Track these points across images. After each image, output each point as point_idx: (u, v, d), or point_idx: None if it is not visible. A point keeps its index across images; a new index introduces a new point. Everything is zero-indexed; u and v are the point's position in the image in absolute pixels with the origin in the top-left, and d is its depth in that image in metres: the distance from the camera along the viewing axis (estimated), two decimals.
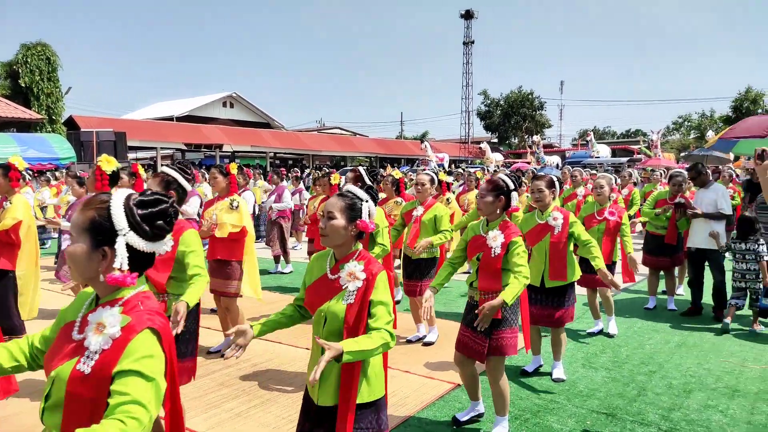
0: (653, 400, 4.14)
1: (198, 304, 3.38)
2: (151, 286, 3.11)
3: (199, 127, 32.28)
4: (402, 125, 66.15)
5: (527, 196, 7.20)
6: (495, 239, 3.45)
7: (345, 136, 45.54)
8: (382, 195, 7.02)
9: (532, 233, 4.39)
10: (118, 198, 1.58)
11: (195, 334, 3.34)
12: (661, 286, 7.22)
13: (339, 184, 6.63)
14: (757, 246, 5.99)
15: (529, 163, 31.72)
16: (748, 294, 6.01)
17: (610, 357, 5.09)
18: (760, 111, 36.78)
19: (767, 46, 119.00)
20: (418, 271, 5.38)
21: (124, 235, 1.54)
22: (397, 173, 6.96)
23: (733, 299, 6.03)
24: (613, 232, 5.63)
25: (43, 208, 11.10)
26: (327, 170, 10.70)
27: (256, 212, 11.72)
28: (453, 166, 30.10)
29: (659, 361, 4.99)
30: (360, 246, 2.45)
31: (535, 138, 37.32)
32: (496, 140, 51.00)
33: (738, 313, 6.02)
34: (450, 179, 8.80)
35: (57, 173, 14.90)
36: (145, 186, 4.22)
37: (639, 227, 11.31)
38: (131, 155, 25.90)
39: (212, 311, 6.18)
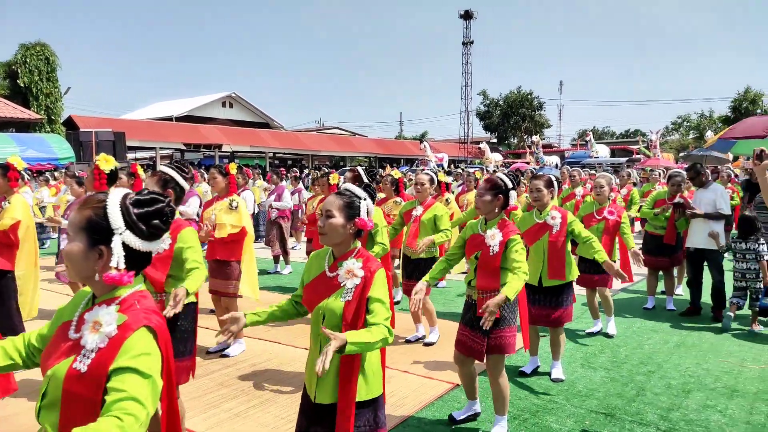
0: (652, 400, 4.14)
1: (196, 303, 3.38)
2: (149, 285, 3.11)
3: (198, 127, 32.30)
4: (401, 125, 66.25)
5: (526, 197, 7.20)
6: (493, 237, 3.45)
7: (344, 136, 45.56)
8: (381, 195, 7.02)
9: (530, 232, 4.39)
10: (114, 197, 1.58)
11: (193, 333, 3.34)
12: (660, 286, 7.22)
13: (338, 184, 6.63)
14: (757, 245, 5.99)
15: (528, 163, 31.73)
16: (748, 294, 6.02)
17: (609, 357, 5.09)
18: (759, 111, 36.82)
19: (767, 46, 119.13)
20: (417, 271, 5.38)
21: (121, 234, 1.55)
22: (396, 173, 6.96)
23: (734, 298, 6.04)
24: (612, 232, 5.63)
25: (42, 208, 11.09)
26: (326, 170, 10.69)
27: (255, 211, 11.72)
28: (452, 166, 30.11)
29: (658, 361, 4.99)
30: (359, 244, 2.45)
31: (535, 138, 37.35)
32: (495, 140, 51.03)
33: (737, 313, 6.02)
34: (449, 179, 8.80)
35: (56, 173, 14.89)
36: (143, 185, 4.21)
37: (638, 227, 11.33)
38: (130, 155, 25.86)
39: (211, 312, 6.17)
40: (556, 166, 27.88)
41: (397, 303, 6.91)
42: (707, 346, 5.38)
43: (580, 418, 3.86)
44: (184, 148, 30.90)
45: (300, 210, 10.68)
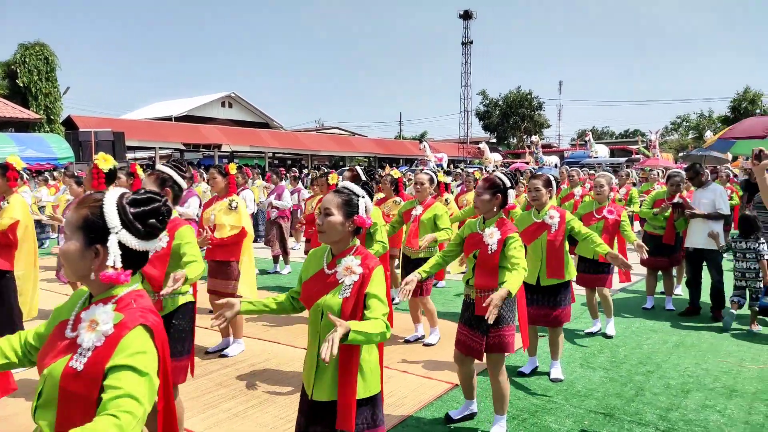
0: (651, 400, 4.14)
1: (194, 303, 3.38)
2: (147, 284, 3.11)
3: (198, 127, 32.29)
4: (401, 125, 66.34)
5: (525, 197, 7.20)
6: (491, 236, 3.45)
7: (344, 136, 45.57)
8: (380, 195, 7.02)
9: (528, 231, 4.39)
10: (111, 196, 1.59)
11: (191, 333, 3.34)
12: (660, 286, 7.22)
13: (336, 184, 6.63)
14: (757, 244, 5.99)
15: (527, 163, 31.72)
16: (748, 293, 6.02)
17: (608, 357, 5.09)
18: (758, 111, 36.82)
19: (767, 46, 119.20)
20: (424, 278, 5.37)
21: (117, 233, 1.55)
22: (395, 173, 6.96)
23: (734, 297, 6.04)
24: (612, 231, 5.63)
25: (41, 208, 11.09)
26: (325, 170, 10.69)
27: (255, 210, 11.71)
28: (452, 166, 30.11)
29: (657, 361, 4.99)
30: (357, 242, 2.46)
31: (534, 138, 37.32)
32: (494, 140, 51.04)
33: (736, 313, 6.02)
34: (448, 180, 8.80)
35: (55, 173, 14.88)
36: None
37: (637, 227, 11.33)
38: (130, 155, 25.87)
39: (210, 312, 6.17)
40: (556, 166, 27.88)
41: (396, 304, 6.90)
42: (706, 346, 5.38)
43: (579, 418, 3.86)
44: (183, 148, 30.89)
45: (299, 210, 10.68)
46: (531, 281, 4.37)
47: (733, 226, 9.87)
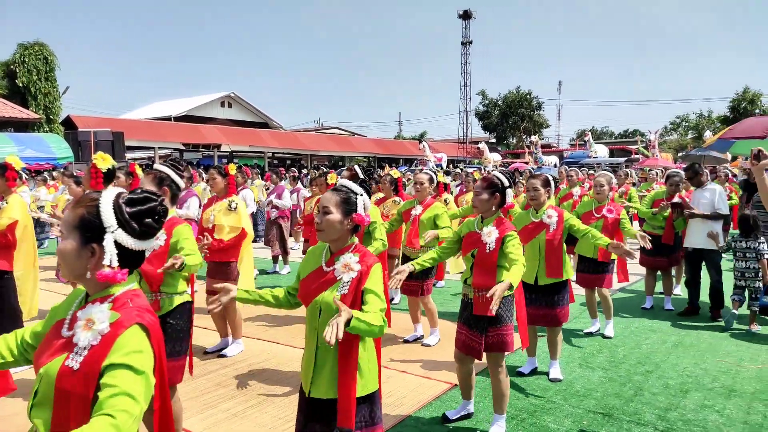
0: (650, 400, 4.14)
1: (191, 303, 3.38)
2: (144, 284, 3.11)
3: (198, 127, 32.26)
4: (400, 125, 66.32)
5: (524, 197, 7.20)
6: (489, 235, 3.45)
7: (343, 136, 45.54)
8: (380, 195, 7.02)
9: (526, 231, 4.39)
10: (107, 196, 1.59)
11: (188, 333, 3.34)
12: (659, 286, 7.22)
13: (335, 184, 6.63)
14: (757, 244, 6.00)
15: (527, 163, 31.70)
16: (747, 293, 6.02)
17: (607, 357, 5.09)
18: (757, 111, 36.87)
19: (766, 46, 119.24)
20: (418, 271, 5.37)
21: (113, 232, 1.55)
22: (395, 173, 6.96)
23: (734, 296, 6.04)
24: (611, 230, 5.63)
25: (40, 207, 11.08)
26: (324, 170, 10.69)
27: (254, 210, 11.71)
28: (451, 166, 30.10)
29: (656, 361, 4.99)
30: (356, 240, 2.46)
31: (533, 138, 37.30)
32: (494, 140, 51.04)
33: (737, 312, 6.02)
34: (448, 179, 8.80)
35: (54, 173, 14.86)
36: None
37: (636, 226, 11.32)
38: (129, 155, 25.81)
39: (208, 312, 6.16)
40: (555, 166, 27.87)
41: (395, 304, 6.90)
42: (705, 346, 5.38)
43: (577, 418, 3.86)
44: (183, 147, 30.86)
45: (298, 210, 10.68)
46: (529, 280, 4.38)
47: (732, 225, 9.88)
